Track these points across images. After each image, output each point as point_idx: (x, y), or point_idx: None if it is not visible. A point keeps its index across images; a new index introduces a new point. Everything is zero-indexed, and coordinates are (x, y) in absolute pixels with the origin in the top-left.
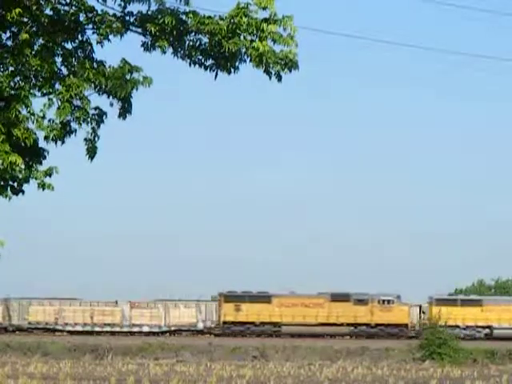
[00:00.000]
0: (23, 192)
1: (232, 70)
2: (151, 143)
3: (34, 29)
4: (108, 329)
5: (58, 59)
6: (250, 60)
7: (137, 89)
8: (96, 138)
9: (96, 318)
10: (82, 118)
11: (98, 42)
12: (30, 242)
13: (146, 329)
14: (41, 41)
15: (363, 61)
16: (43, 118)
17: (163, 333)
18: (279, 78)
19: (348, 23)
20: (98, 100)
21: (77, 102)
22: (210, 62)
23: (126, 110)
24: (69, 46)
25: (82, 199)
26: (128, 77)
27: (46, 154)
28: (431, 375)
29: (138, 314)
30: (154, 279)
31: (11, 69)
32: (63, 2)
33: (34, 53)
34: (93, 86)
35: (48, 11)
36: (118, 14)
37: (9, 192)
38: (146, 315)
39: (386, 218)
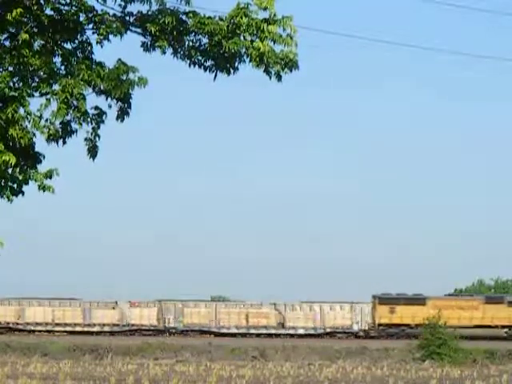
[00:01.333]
0: (23, 193)
1: (231, 70)
2: (151, 143)
3: (34, 29)
4: (264, 331)
5: (58, 59)
6: (250, 60)
7: (132, 89)
8: (97, 138)
9: (251, 320)
10: (81, 118)
11: (97, 42)
12: (29, 241)
13: (301, 331)
14: (40, 41)
15: (363, 61)
16: (40, 117)
17: (318, 335)
18: (279, 78)
19: (348, 23)
20: (97, 100)
21: (74, 103)
22: (209, 62)
23: (124, 112)
24: (68, 46)
25: (83, 199)
26: (124, 77)
27: (41, 158)
28: (431, 375)
29: (292, 316)
30: (154, 279)
31: (10, 69)
32: (63, 2)
33: (32, 53)
34: (88, 86)
35: (48, 11)
36: (118, 14)
37: (8, 193)
38: (301, 317)
39: (386, 218)
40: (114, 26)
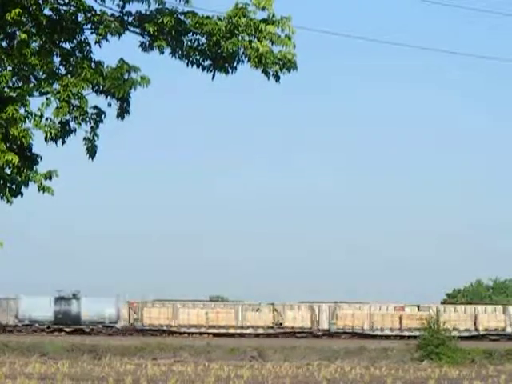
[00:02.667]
0: (22, 194)
1: (230, 70)
2: (153, 142)
3: (33, 29)
4: (417, 333)
5: (57, 59)
6: (249, 60)
7: (135, 89)
8: (95, 138)
9: (405, 322)
10: (80, 117)
11: (96, 42)
12: (29, 241)
13: (455, 333)
14: (39, 41)
15: (363, 61)
16: (41, 117)
17: (473, 337)
18: (277, 79)
19: (347, 23)
20: (96, 99)
21: (75, 102)
22: (207, 62)
23: (124, 111)
24: (67, 46)
25: (83, 199)
26: (126, 76)
27: (38, 159)
28: (429, 375)
29: (450, 319)
30: (150, 278)
31: (9, 68)
32: (62, 2)
33: (32, 52)
34: (90, 85)
35: (47, 11)
36: (117, 14)
37: (8, 194)
38: (462, 319)
39: (386, 219)
40: (113, 25)
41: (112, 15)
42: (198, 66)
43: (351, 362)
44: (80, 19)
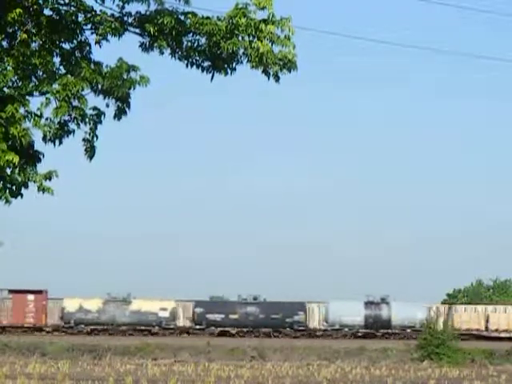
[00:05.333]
0: (22, 195)
1: (229, 71)
2: (149, 143)
3: (33, 29)
4: None
5: (57, 59)
6: (248, 60)
7: (134, 88)
8: (94, 138)
9: None
10: (79, 117)
11: (96, 42)
12: (30, 242)
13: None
14: (39, 41)
15: (362, 61)
16: (40, 116)
17: None
18: (277, 79)
19: (346, 23)
20: (95, 100)
21: (74, 102)
22: (207, 63)
23: (121, 111)
24: (67, 46)
25: (82, 200)
26: (125, 76)
27: (41, 156)
28: (429, 375)
29: None
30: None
31: (9, 68)
32: (62, 2)
33: (32, 52)
34: (89, 85)
35: (47, 11)
36: (117, 15)
37: (7, 195)
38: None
39: (385, 219)
40: (113, 26)
41: (112, 15)
42: (197, 67)
43: (351, 362)
44: (80, 19)
